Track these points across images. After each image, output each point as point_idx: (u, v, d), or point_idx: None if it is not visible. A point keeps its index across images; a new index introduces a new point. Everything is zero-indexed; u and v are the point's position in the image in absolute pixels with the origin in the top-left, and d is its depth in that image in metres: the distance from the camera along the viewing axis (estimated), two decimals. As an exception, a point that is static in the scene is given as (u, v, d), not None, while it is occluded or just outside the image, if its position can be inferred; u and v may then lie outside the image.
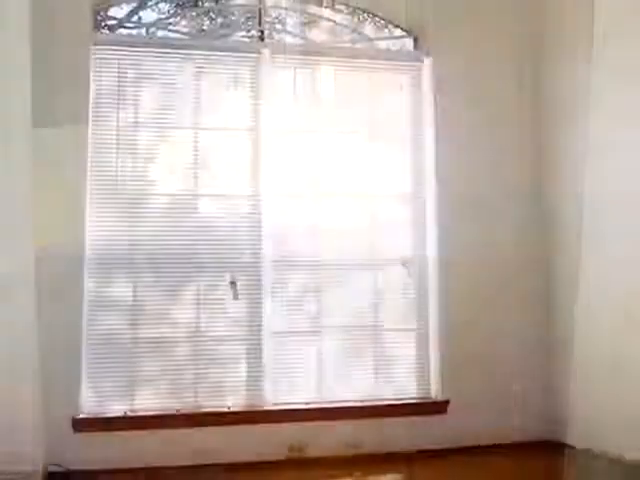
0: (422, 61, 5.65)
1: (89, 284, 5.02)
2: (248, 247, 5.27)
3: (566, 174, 5.45)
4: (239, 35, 5.58)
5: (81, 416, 4.88)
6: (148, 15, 5.50)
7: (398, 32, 5.74)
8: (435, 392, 5.48)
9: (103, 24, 5.38)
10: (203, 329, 5.17)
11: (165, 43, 5.33)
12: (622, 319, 4.88)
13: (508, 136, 5.68)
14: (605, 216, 5.00)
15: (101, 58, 5.18)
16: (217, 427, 5.06)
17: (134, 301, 5.10)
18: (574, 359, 5.33)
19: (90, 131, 5.08)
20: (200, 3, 5.61)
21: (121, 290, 5.08)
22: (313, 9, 5.67)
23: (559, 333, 5.50)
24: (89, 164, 5.04)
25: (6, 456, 4.36)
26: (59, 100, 4.98)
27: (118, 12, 5.43)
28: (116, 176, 5.12)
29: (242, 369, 5.21)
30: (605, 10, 4.98)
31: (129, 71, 5.23)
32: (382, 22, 5.73)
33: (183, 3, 5.58)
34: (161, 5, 5.53)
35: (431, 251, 5.54)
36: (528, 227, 5.66)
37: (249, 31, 5.59)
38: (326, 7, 5.67)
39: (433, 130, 5.56)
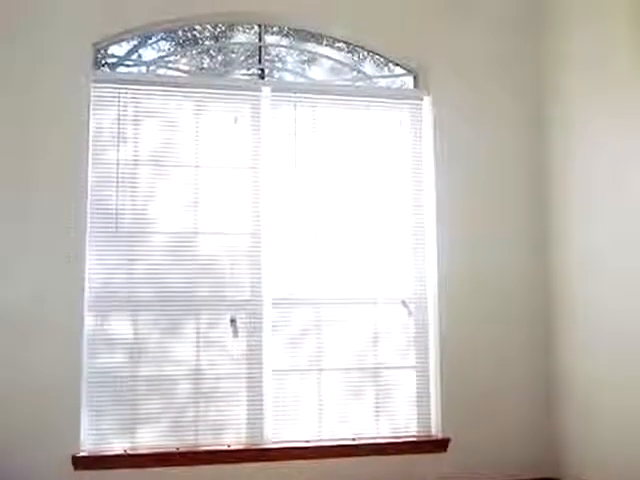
0: (422, 99, 5.84)
1: (89, 321, 5.14)
2: (248, 285, 5.41)
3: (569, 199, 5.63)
4: (239, 73, 5.72)
5: (81, 454, 4.97)
6: (148, 53, 5.65)
7: (398, 70, 5.92)
8: (435, 430, 5.59)
9: (103, 62, 5.52)
10: (203, 367, 5.29)
11: (165, 81, 5.47)
12: (622, 361, 5.01)
13: (509, 174, 5.84)
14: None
15: (101, 96, 5.35)
16: (217, 465, 5.15)
17: (134, 338, 5.22)
18: (574, 397, 5.45)
19: (90, 168, 5.23)
20: (200, 41, 5.76)
21: (121, 327, 5.20)
22: (313, 47, 5.84)
23: (560, 370, 5.62)
24: (89, 201, 5.19)
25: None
26: (59, 137, 5.16)
27: (118, 50, 5.57)
28: (116, 213, 5.25)
29: (242, 407, 5.31)
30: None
31: (129, 108, 5.39)
32: (382, 60, 5.90)
33: (183, 41, 5.74)
34: (161, 43, 5.69)
35: (431, 289, 5.69)
36: (530, 265, 5.82)
37: (249, 69, 5.75)
38: (326, 45, 5.84)
39: (433, 166, 5.73)
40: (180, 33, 5.71)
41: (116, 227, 5.24)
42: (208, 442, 5.23)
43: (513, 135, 5.89)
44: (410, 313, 5.65)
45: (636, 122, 4.91)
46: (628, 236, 4.97)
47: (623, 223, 5.02)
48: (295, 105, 5.65)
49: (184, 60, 5.68)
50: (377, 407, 5.55)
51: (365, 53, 5.89)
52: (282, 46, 5.81)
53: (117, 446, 5.10)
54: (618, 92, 5.09)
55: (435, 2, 5.85)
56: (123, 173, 5.31)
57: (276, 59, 5.82)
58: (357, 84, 5.82)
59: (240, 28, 5.79)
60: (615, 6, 5.10)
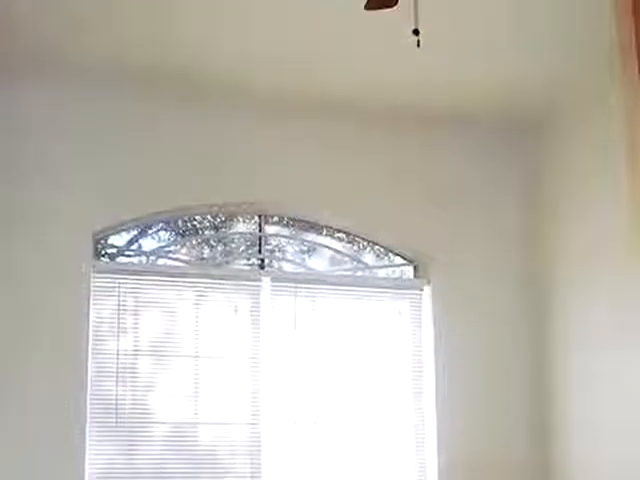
0: (422, 289, 6.47)
1: (89, 511, 5.59)
2: (248, 474, 5.90)
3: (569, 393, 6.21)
4: (239, 263, 6.38)
5: None
6: (148, 243, 6.25)
7: (398, 260, 6.60)
8: None
9: (103, 252, 6.13)
10: None
11: (165, 271, 6.08)
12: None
13: (509, 365, 6.43)
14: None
15: (101, 286, 5.90)
16: None
17: (135, 531, 5.68)
18: None
19: (90, 358, 5.73)
20: (200, 231, 6.43)
21: (121, 519, 5.67)
22: (313, 237, 6.52)
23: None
24: (89, 391, 5.69)
25: None
26: (59, 327, 5.67)
27: (118, 240, 6.16)
28: (116, 403, 5.78)
29: None
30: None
31: (129, 298, 5.95)
32: (382, 250, 6.60)
33: (183, 231, 6.38)
34: (161, 233, 6.29)
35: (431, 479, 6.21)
36: (531, 453, 6.34)
37: (249, 259, 6.39)
38: (326, 235, 6.51)
39: (433, 356, 6.31)
40: (180, 223, 6.35)
41: (116, 417, 5.76)
42: None
43: (514, 326, 6.46)
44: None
45: (636, 313, 5.50)
46: (631, 425, 5.50)
47: (624, 412, 5.55)
48: (295, 295, 6.25)
49: (184, 250, 6.31)
50: None
51: (365, 243, 6.59)
52: (282, 236, 6.50)
53: None
54: (616, 281, 5.66)
55: (434, 193, 6.52)
56: (123, 363, 5.85)
57: (276, 249, 6.48)
58: (357, 274, 6.49)
59: (240, 218, 6.44)
60: (613, 193, 5.67)
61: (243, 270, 6.34)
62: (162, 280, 6.09)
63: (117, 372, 5.86)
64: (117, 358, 5.88)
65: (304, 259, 6.52)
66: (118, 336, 5.92)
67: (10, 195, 5.79)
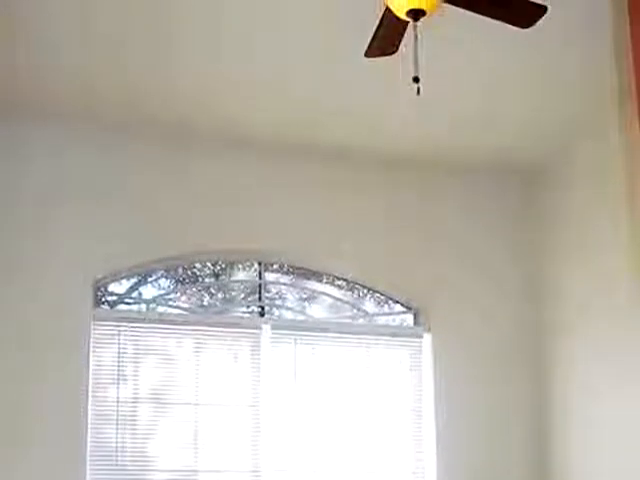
0: (422, 337, 6.54)
1: None
2: (249, 521, 5.97)
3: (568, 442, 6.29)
4: (239, 310, 6.49)
5: None
6: (148, 291, 6.34)
7: (398, 307, 6.69)
8: None
9: (103, 300, 6.24)
10: None
11: (165, 319, 6.16)
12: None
13: (509, 413, 6.49)
14: None
15: (101, 333, 5.98)
16: None
17: None
18: None
19: (90, 406, 5.81)
20: (200, 279, 6.54)
21: None
22: (313, 285, 6.63)
23: None
24: (89, 439, 5.75)
25: None
26: (59, 375, 5.75)
27: (118, 288, 6.26)
28: (116, 451, 5.85)
29: None
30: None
31: (129, 346, 6.03)
32: (382, 298, 6.70)
33: (183, 279, 6.48)
34: (161, 281, 6.39)
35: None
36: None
37: (249, 306, 6.51)
38: (326, 283, 6.62)
39: (432, 403, 6.38)
40: (180, 271, 6.44)
41: (116, 465, 5.82)
42: None
43: (514, 373, 6.55)
44: None
45: (636, 359, 5.55)
46: (630, 473, 5.55)
47: (624, 459, 5.63)
48: (295, 342, 6.33)
49: (184, 298, 6.39)
50: None
51: (365, 291, 6.69)
52: (282, 284, 6.60)
53: None
54: (618, 328, 5.74)
55: (434, 241, 6.64)
56: (123, 410, 5.92)
57: (276, 296, 6.57)
58: (357, 322, 6.58)
59: (240, 266, 6.54)
60: (612, 241, 5.79)
61: (243, 318, 6.44)
62: (162, 328, 6.17)
63: (117, 419, 5.93)
64: (117, 405, 5.95)
65: (304, 307, 6.61)
66: (118, 383, 5.99)
67: (10, 242, 5.88)
